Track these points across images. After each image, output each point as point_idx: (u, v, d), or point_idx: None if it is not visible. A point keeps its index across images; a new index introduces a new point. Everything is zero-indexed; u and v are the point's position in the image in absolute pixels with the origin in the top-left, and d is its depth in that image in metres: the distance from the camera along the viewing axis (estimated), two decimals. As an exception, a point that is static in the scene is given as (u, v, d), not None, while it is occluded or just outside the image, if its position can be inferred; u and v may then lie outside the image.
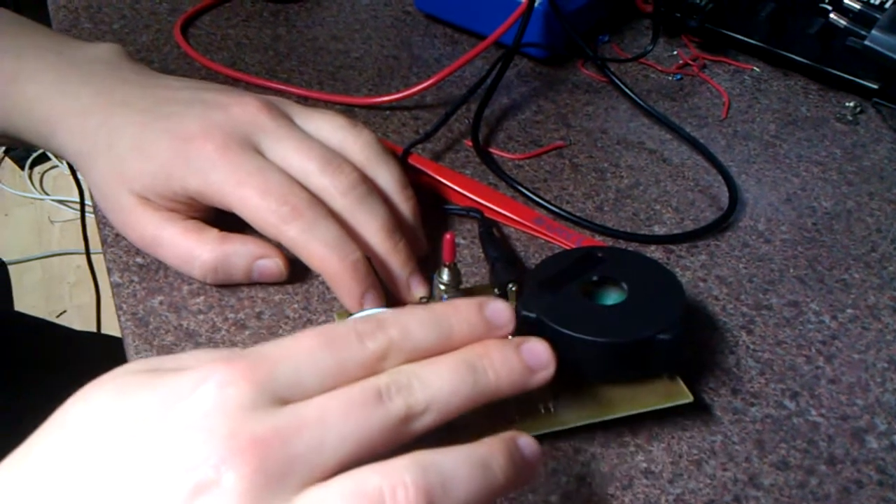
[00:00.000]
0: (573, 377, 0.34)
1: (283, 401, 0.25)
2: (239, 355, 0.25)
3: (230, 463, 0.23)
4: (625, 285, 0.35)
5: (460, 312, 0.29)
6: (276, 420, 0.24)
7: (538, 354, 0.29)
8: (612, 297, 0.36)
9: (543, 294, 0.35)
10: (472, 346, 0.28)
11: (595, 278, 0.36)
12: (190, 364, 0.26)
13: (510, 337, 0.30)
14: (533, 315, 0.34)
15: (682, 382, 0.35)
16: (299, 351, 0.26)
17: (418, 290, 0.38)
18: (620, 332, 0.33)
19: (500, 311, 0.29)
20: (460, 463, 0.24)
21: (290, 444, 0.23)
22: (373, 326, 0.27)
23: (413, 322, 0.28)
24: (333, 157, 0.38)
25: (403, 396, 0.25)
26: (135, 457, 0.23)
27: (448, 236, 0.35)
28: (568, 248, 0.42)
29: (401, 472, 0.23)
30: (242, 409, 0.24)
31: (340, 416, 0.24)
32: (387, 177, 0.40)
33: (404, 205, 0.40)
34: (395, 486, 0.23)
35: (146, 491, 0.23)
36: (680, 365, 0.35)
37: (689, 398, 0.34)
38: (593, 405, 0.34)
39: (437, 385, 0.26)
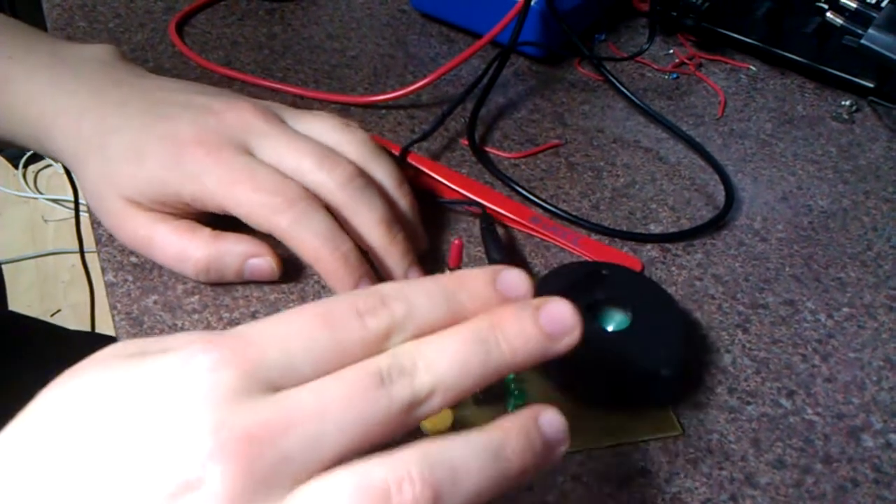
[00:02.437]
0: (569, 397, 0.35)
1: (275, 386, 0.23)
2: (226, 336, 0.23)
3: (217, 459, 0.21)
4: (629, 309, 0.36)
5: (470, 286, 0.26)
6: (266, 411, 0.22)
7: (560, 318, 0.25)
8: (616, 321, 0.36)
9: None
10: (482, 316, 0.25)
11: (601, 298, 0.36)
12: (175, 346, 0.24)
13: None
14: None
15: (672, 414, 0.35)
16: (292, 331, 0.24)
17: None
18: (622, 365, 0.33)
19: (516, 281, 0.26)
20: (471, 453, 0.23)
21: (282, 438, 0.21)
22: (375, 301, 0.24)
23: (420, 297, 0.25)
24: (328, 153, 0.38)
25: (408, 379, 0.23)
26: (116, 450, 0.22)
27: (456, 242, 0.36)
28: (563, 245, 0.42)
29: (407, 464, 0.22)
30: (230, 397, 0.22)
31: (339, 404, 0.22)
32: (383, 173, 0.40)
33: (402, 200, 0.40)
34: (402, 481, 0.21)
35: (126, 488, 0.21)
36: (675, 397, 0.36)
37: (679, 431, 0.34)
38: (585, 432, 0.34)
39: (445, 364, 0.24)
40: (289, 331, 0.24)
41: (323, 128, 0.40)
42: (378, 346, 0.24)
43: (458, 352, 0.24)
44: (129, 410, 0.22)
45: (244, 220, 0.36)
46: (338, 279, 0.36)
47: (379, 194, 0.38)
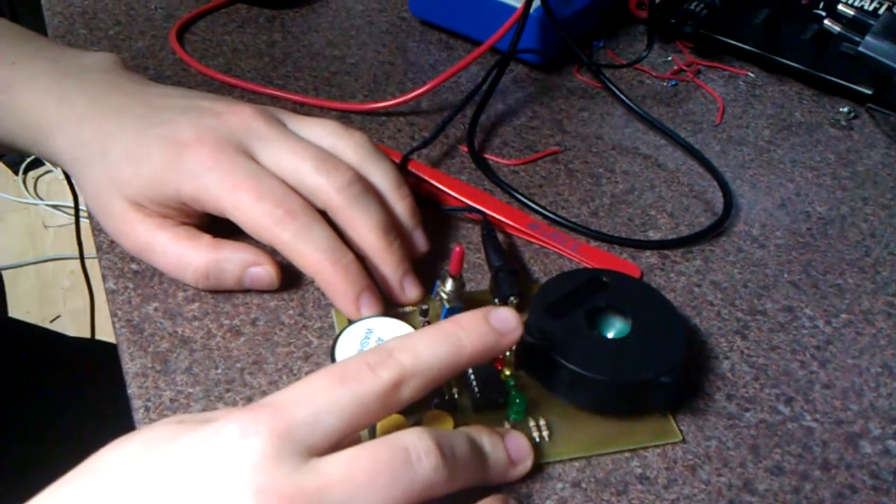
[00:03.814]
0: (569, 404, 0.35)
1: (307, 446, 0.26)
2: (258, 405, 0.26)
3: None
4: (629, 316, 0.36)
5: (467, 325, 0.30)
6: (302, 479, 0.25)
7: (521, 450, 0.32)
8: (616, 328, 0.36)
9: (548, 320, 0.35)
10: (490, 441, 0.31)
11: (601, 305, 0.36)
12: (216, 417, 0.27)
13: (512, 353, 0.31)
14: (537, 342, 0.34)
15: (673, 420, 0.35)
16: (315, 392, 0.27)
17: (411, 291, 0.38)
18: (622, 372, 0.33)
19: (506, 318, 0.30)
20: None
21: (316, 501, 0.25)
22: (383, 356, 0.28)
23: (421, 343, 0.28)
24: (328, 157, 0.38)
25: (433, 458, 0.27)
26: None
27: (458, 248, 0.36)
28: (562, 252, 0.42)
29: None
30: (267, 461, 0.25)
31: (367, 478, 0.26)
32: (381, 176, 0.40)
33: (399, 204, 0.40)
34: None
35: None
36: (675, 404, 0.36)
37: (679, 437, 0.34)
38: (585, 438, 0.34)
39: (460, 453, 0.29)
40: (311, 392, 0.27)
41: (321, 131, 0.40)
42: (393, 395, 0.27)
43: (466, 447, 0.30)
44: (175, 473, 0.25)
45: (242, 227, 0.37)
46: (340, 292, 0.36)
47: (377, 200, 0.38)
